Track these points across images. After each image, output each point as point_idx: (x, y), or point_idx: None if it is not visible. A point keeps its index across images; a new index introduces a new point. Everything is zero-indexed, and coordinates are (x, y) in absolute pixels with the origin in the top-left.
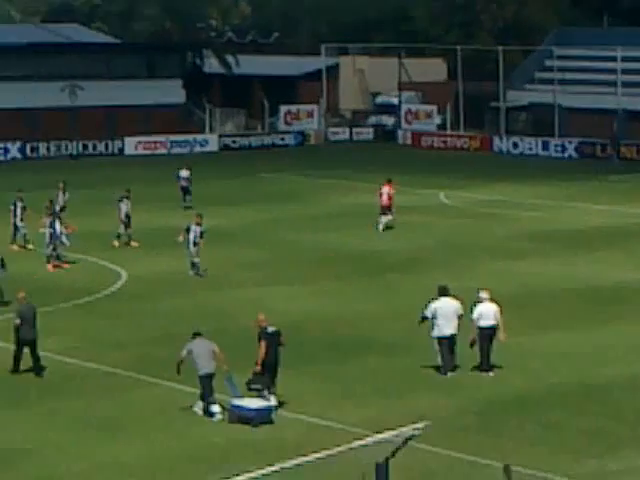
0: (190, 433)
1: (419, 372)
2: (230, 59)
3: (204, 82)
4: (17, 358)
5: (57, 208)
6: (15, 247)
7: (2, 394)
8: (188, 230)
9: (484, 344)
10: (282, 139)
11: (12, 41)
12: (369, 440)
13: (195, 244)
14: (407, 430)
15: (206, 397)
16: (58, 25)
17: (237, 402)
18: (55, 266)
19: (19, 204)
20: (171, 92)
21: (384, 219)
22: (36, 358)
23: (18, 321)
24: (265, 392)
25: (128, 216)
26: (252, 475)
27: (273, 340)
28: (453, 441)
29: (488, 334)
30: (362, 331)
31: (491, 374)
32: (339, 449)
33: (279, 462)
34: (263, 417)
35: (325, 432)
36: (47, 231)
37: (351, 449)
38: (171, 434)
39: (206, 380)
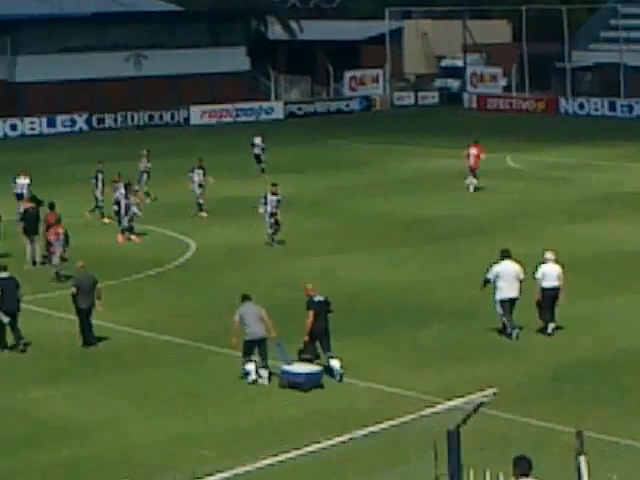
0: (264, 404)
1: (491, 338)
2: (294, 25)
3: (268, 49)
4: (83, 329)
5: (140, 174)
6: (106, 219)
7: (76, 367)
8: (265, 200)
9: (546, 304)
10: (347, 105)
11: (76, 12)
12: (440, 407)
13: (271, 215)
14: (477, 397)
15: (245, 356)
16: None
17: (287, 368)
18: (126, 238)
19: (100, 176)
20: (236, 60)
21: (474, 181)
22: (89, 327)
23: (74, 290)
24: (326, 359)
25: (201, 185)
26: (324, 444)
27: (321, 308)
28: (526, 407)
29: (550, 295)
30: (433, 297)
31: (551, 327)
32: (410, 417)
33: (352, 431)
34: (313, 382)
35: (397, 400)
36: (122, 202)
37: (422, 416)
38: (245, 405)
39: (252, 344)
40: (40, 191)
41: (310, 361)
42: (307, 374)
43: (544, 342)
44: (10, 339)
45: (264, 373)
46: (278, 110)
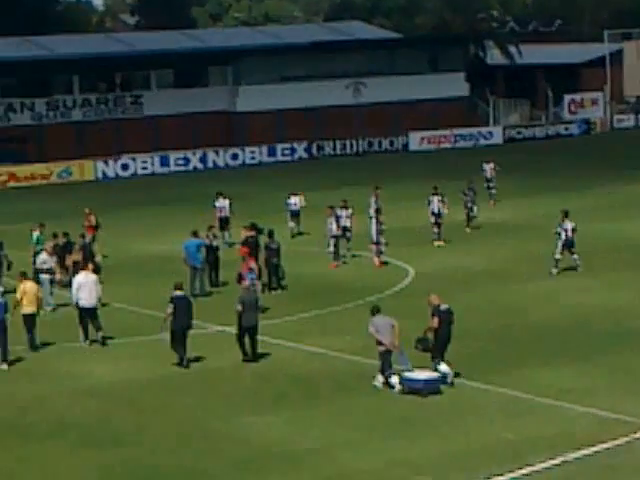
0: (481, 429)
1: None
2: (512, 49)
3: (487, 74)
4: (242, 344)
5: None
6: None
7: (295, 393)
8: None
9: None
10: (566, 129)
11: (296, 41)
12: None
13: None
14: None
15: (386, 370)
16: (340, 23)
17: (407, 375)
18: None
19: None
20: (454, 85)
21: None
22: (254, 345)
23: (240, 307)
24: (437, 364)
25: (434, 213)
26: (538, 467)
27: (446, 316)
28: None
29: None
30: None
31: None
32: (625, 440)
33: (566, 455)
34: (431, 387)
35: (616, 425)
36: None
37: (636, 439)
38: (461, 431)
39: (387, 355)
40: (258, 220)
41: (424, 350)
42: (425, 380)
43: None
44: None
45: (395, 380)
46: (497, 135)
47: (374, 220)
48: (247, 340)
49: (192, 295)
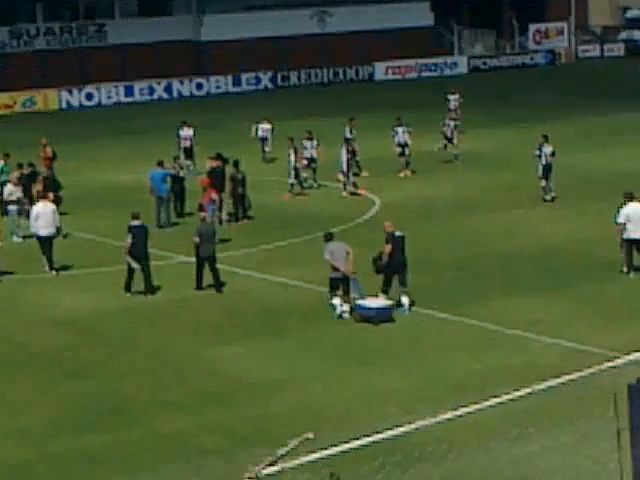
0: (448, 360)
1: None
2: None
3: (452, 3)
4: (199, 275)
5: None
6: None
7: (264, 325)
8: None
9: None
10: (531, 58)
11: None
12: (619, 361)
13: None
14: None
15: (331, 291)
16: None
17: (360, 302)
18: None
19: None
20: (419, 15)
21: None
22: (215, 275)
23: (197, 239)
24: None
25: (400, 144)
26: (503, 399)
27: (398, 243)
28: None
29: None
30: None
31: None
32: (590, 371)
33: (533, 386)
34: (383, 316)
35: (582, 356)
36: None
37: (601, 370)
38: (428, 362)
39: (337, 281)
40: (224, 149)
41: (377, 272)
42: (377, 309)
43: None
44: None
45: (346, 307)
46: (462, 65)
47: (344, 150)
48: (207, 271)
49: (158, 225)
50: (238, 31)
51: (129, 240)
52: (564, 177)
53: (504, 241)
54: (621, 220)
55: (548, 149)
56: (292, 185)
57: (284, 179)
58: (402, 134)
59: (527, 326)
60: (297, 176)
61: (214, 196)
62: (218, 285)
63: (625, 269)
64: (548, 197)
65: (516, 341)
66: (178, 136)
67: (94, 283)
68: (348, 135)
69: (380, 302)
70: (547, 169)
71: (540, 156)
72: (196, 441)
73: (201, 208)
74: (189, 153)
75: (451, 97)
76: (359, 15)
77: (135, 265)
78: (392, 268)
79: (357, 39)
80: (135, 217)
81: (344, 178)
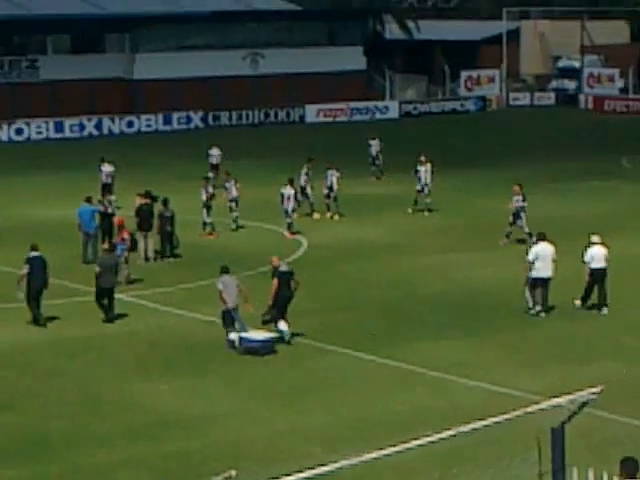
0: (370, 401)
1: (602, 338)
2: (411, 24)
3: (385, 48)
4: (101, 304)
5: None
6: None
7: (187, 361)
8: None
9: (595, 285)
10: (462, 105)
11: (196, 10)
12: (544, 405)
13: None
14: (582, 395)
15: (228, 327)
16: None
17: (245, 335)
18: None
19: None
20: (352, 59)
21: None
22: (111, 306)
23: (98, 269)
24: (276, 323)
25: (328, 187)
26: (428, 440)
27: (285, 278)
28: (633, 408)
29: (600, 274)
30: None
31: (604, 311)
32: (514, 414)
33: (457, 428)
34: (267, 348)
35: (505, 400)
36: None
37: (526, 414)
38: (351, 402)
39: (229, 314)
40: (153, 188)
41: (269, 322)
42: (262, 341)
43: None
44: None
45: (233, 336)
46: (393, 109)
47: (289, 196)
48: (106, 301)
49: (84, 261)
50: (170, 70)
51: (25, 271)
52: (492, 222)
53: (430, 284)
54: (530, 258)
55: (519, 197)
56: (205, 224)
57: (215, 218)
58: (330, 177)
59: (450, 368)
60: (208, 214)
61: (126, 236)
62: (111, 317)
63: (531, 305)
64: (501, 243)
65: (439, 383)
66: (100, 171)
67: (16, 317)
68: (303, 175)
69: (264, 335)
70: (515, 216)
71: (518, 207)
72: (116, 476)
73: (114, 249)
74: (109, 189)
75: (372, 142)
76: (292, 57)
77: (21, 296)
78: (281, 302)
79: (289, 81)
80: (34, 248)
81: (288, 219)
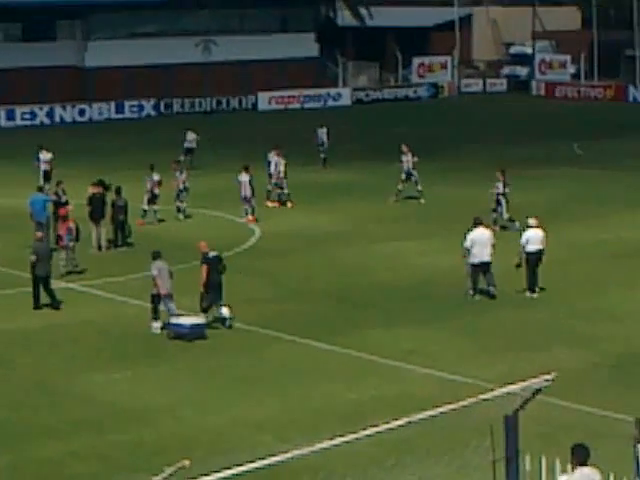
0: (323, 389)
1: (553, 325)
2: (363, 11)
3: (337, 35)
4: (35, 293)
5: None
6: (269, 204)
7: (140, 351)
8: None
9: (531, 267)
10: (415, 92)
11: None
12: (497, 393)
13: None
14: (534, 383)
15: (154, 314)
16: None
17: (174, 320)
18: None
19: (275, 159)
20: (304, 46)
21: None
22: (50, 294)
23: (33, 258)
24: (214, 308)
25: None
26: (381, 428)
27: (214, 264)
28: (585, 395)
29: (535, 258)
30: (497, 284)
31: (535, 295)
32: (467, 402)
33: (409, 416)
34: (196, 333)
35: (456, 387)
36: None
37: (479, 402)
38: (305, 390)
39: (165, 299)
40: (106, 176)
41: (206, 309)
42: (191, 326)
43: (604, 329)
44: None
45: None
46: (345, 97)
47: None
48: (42, 290)
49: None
50: (122, 58)
51: None
52: (444, 209)
53: (382, 272)
54: (467, 244)
55: (499, 183)
56: (145, 211)
57: (166, 207)
58: (275, 164)
59: (403, 356)
60: (150, 203)
61: (71, 225)
62: (55, 304)
63: (471, 292)
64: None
65: (391, 371)
66: (37, 160)
67: None
68: (273, 162)
69: (193, 320)
70: (497, 202)
71: (497, 194)
72: (68, 467)
73: (59, 238)
74: (47, 177)
75: (319, 130)
76: (244, 45)
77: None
78: (210, 288)
79: (241, 69)
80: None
81: (247, 205)
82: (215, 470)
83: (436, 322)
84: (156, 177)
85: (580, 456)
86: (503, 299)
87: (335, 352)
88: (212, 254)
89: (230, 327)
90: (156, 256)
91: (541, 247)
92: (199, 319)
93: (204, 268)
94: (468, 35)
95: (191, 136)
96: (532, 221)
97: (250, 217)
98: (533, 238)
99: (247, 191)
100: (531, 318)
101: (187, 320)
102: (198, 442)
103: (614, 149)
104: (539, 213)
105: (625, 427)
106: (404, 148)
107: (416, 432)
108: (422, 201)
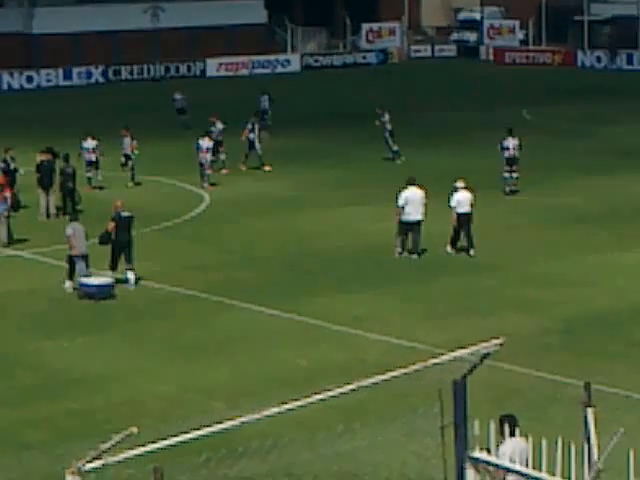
0: (274, 356)
1: (504, 291)
2: None
3: (285, 1)
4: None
5: None
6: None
7: (89, 318)
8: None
9: (462, 228)
10: (364, 57)
11: None
12: (445, 358)
13: None
14: (483, 348)
15: (77, 273)
16: None
17: (83, 280)
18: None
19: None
20: (253, 12)
21: None
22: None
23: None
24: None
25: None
26: (330, 393)
27: (125, 223)
28: (535, 360)
29: (465, 219)
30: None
31: (472, 252)
32: (416, 367)
33: (359, 381)
34: (104, 293)
35: (408, 353)
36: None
37: (427, 367)
38: (255, 357)
39: (79, 259)
40: (53, 143)
41: (115, 268)
42: (98, 286)
43: (555, 294)
44: None
45: (70, 285)
46: (295, 63)
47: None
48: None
49: None
50: (70, 24)
51: None
52: (395, 175)
53: (332, 238)
54: (401, 203)
55: (514, 142)
56: (89, 178)
57: (115, 174)
58: (217, 132)
59: (354, 322)
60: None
61: (7, 194)
62: None
63: (399, 250)
64: (508, 189)
65: (341, 337)
66: None
67: None
68: (254, 129)
69: (101, 280)
70: (512, 161)
71: (504, 149)
72: (19, 436)
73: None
74: None
75: (261, 98)
76: (192, 11)
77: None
78: (117, 246)
79: (190, 35)
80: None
81: (208, 170)
82: (164, 437)
83: (386, 288)
84: (92, 143)
85: (510, 426)
86: (454, 265)
87: (285, 318)
88: (125, 214)
89: (135, 284)
90: (72, 218)
91: (469, 209)
92: (107, 279)
93: (111, 225)
94: (417, 1)
95: (179, 96)
96: (460, 184)
97: (209, 184)
98: (462, 200)
99: (207, 156)
100: (482, 284)
101: (95, 280)
102: (149, 409)
103: (563, 114)
104: (486, 179)
105: (575, 391)
106: (379, 110)
107: (366, 397)
108: (398, 162)
